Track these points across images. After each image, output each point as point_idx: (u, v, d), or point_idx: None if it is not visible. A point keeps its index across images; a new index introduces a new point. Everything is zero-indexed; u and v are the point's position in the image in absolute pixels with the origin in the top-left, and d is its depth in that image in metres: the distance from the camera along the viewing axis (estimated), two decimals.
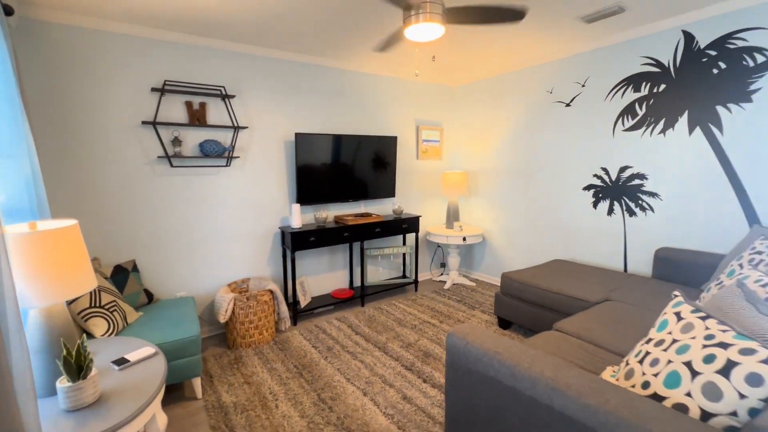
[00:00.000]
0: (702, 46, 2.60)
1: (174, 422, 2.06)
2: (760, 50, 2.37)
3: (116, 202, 2.68)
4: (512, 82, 3.89)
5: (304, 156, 3.32)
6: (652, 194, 2.92)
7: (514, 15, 2.07)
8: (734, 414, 0.98)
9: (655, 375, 1.18)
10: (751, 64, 2.40)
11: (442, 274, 4.63)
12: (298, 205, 3.27)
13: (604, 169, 3.21)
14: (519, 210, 3.95)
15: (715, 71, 2.55)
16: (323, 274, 3.75)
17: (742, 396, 0.97)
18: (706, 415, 1.01)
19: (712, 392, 1.01)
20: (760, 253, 2.06)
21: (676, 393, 1.09)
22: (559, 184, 3.55)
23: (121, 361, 1.62)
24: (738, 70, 2.46)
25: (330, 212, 3.71)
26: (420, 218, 4.23)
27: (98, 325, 2.06)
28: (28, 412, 1.09)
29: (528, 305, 2.84)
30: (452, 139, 4.63)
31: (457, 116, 4.58)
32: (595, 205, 3.30)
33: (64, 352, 1.34)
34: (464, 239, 3.98)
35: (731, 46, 2.47)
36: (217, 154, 2.91)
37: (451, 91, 4.51)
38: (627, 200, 3.08)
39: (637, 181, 3.01)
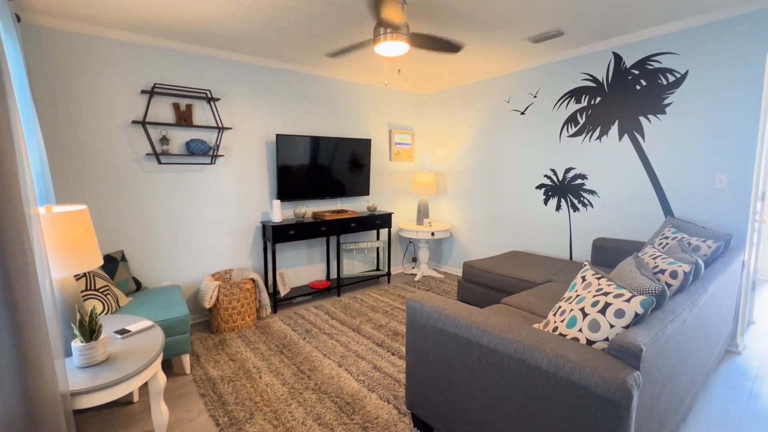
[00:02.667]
0: (628, 66, 3.07)
1: (165, 393, 2.28)
2: (671, 71, 2.85)
3: (106, 195, 2.87)
4: (475, 92, 4.30)
5: (285, 155, 3.59)
6: (592, 192, 3.37)
7: (453, 48, 2.48)
8: (606, 340, 1.34)
9: (562, 321, 1.55)
10: (665, 82, 2.88)
11: (413, 268, 4.97)
12: (279, 201, 3.53)
13: (553, 170, 3.64)
14: (481, 207, 4.35)
15: (638, 87, 3.02)
16: (302, 266, 4.01)
17: (611, 326, 1.34)
18: (590, 343, 1.37)
19: (594, 326, 1.38)
20: (666, 237, 2.51)
21: (573, 331, 1.45)
22: (516, 184, 3.97)
23: (122, 331, 1.85)
24: (655, 87, 2.93)
25: (308, 208, 3.98)
26: (392, 215, 4.56)
27: (94, 306, 2.26)
28: (59, 367, 1.32)
29: (485, 289, 3.21)
30: (423, 142, 5.01)
31: (427, 121, 4.96)
32: (545, 201, 3.73)
33: (79, 316, 1.57)
34: (432, 234, 4.34)
35: (650, 67, 2.95)
36: (202, 152, 3.14)
37: (422, 98, 4.89)
38: (571, 197, 3.52)
39: (579, 181, 3.45)
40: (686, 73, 2.77)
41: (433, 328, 1.66)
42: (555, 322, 1.59)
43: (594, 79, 3.28)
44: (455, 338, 1.55)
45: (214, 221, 3.38)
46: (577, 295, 1.59)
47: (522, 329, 1.40)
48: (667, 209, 2.93)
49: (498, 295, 3.09)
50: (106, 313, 2.30)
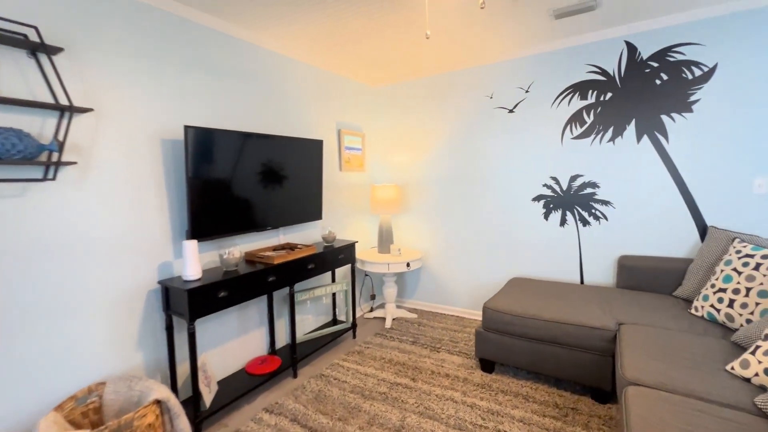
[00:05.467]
0: (644, 57, 2.67)
1: None
2: (697, 64, 2.52)
3: None
4: (443, 86, 3.50)
5: (202, 163, 2.11)
6: (605, 202, 2.89)
7: None
8: None
9: None
10: (690, 76, 2.55)
11: (372, 309, 3.85)
12: (194, 242, 2.03)
13: (554, 179, 3.07)
14: (460, 225, 3.55)
15: (658, 82, 2.64)
16: (231, 340, 2.50)
17: None
18: None
19: None
20: (749, 256, 2.07)
21: None
22: (507, 196, 3.29)
23: None
24: (679, 82, 2.58)
25: (239, 248, 2.52)
26: (356, 244, 3.39)
27: None
28: None
29: (522, 340, 2.36)
30: (375, 148, 3.98)
31: (378, 121, 3.95)
32: (546, 216, 3.13)
33: None
34: (408, 265, 3.33)
35: (671, 59, 2.59)
36: (19, 156, 1.48)
37: (369, 92, 3.86)
38: (580, 209, 2.99)
39: (589, 190, 2.94)
40: (715, 66, 2.47)
41: None
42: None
43: (603, 72, 2.82)
44: None
45: (62, 292, 1.70)
46: None
47: None
48: (698, 220, 2.59)
49: (542, 348, 2.28)
50: None
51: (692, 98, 2.55)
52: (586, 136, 2.92)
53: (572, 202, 3.01)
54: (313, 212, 2.97)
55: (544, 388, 2.33)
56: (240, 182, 2.35)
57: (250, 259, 2.47)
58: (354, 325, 3.17)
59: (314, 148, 2.91)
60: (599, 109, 2.85)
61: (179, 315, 1.95)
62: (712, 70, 2.48)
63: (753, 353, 1.56)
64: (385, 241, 3.55)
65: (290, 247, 2.76)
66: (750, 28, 2.36)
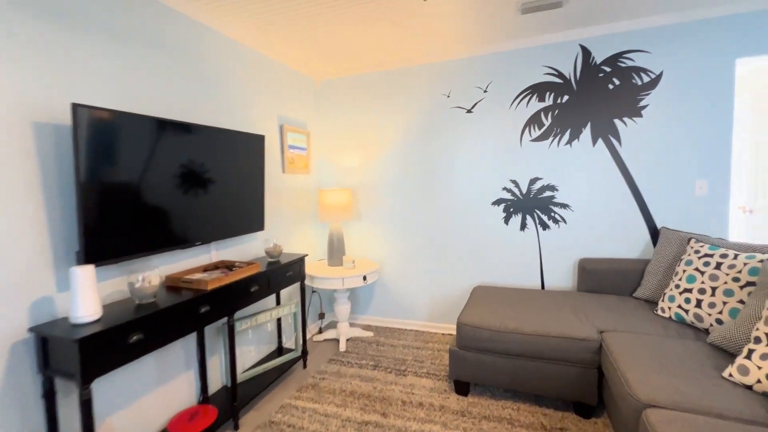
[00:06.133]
0: (598, 62, 2.71)
1: None
2: (645, 71, 2.61)
3: None
4: (397, 83, 3.24)
5: (101, 157, 1.52)
6: (564, 206, 2.87)
7: None
8: None
9: None
10: (639, 82, 2.63)
11: (321, 330, 3.40)
12: (90, 267, 1.44)
13: (514, 182, 2.98)
14: (417, 233, 3.30)
15: (611, 86, 2.69)
16: (145, 395, 1.89)
17: None
18: None
19: None
20: (708, 255, 2.12)
21: None
22: (466, 200, 3.13)
23: None
24: (629, 87, 2.65)
25: (156, 271, 1.92)
26: (305, 258, 2.92)
27: None
28: None
29: (504, 358, 2.16)
30: (321, 147, 3.56)
31: (325, 118, 3.54)
32: (506, 220, 3.03)
33: None
34: (365, 279, 2.98)
35: (622, 65, 2.65)
36: None
37: (313, 86, 3.45)
38: (539, 213, 2.94)
39: (548, 193, 2.90)
40: (661, 74, 2.57)
41: None
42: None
43: (560, 74, 2.80)
44: None
45: None
46: None
47: None
48: (649, 221, 2.68)
49: (525, 365, 2.10)
50: None
51: (642, 103, 2.63)
52: (545, 139, 2.88)
53: (532, 205, 2.95)
54: (254, 222, 2.47)
55: (526, 407, 2.15)
56: (158, 183, 1.78)
57: (173, 285, 1.90)
58: (304, 353, 2.71)
59: (255, 144, 2.42)
60: (556, 111, 2.83)
61: (65, 376, 1.35)
62: (659, 77, 2.58)
63: (749, 358, 1.51)
64: (336, 252, 3.15)
65: (227, 266, 2.22)
66: (691, 38, 2.49)
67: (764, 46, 2.36)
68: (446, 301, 3.25)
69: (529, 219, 2.97)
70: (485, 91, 3.00)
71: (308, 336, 3.26)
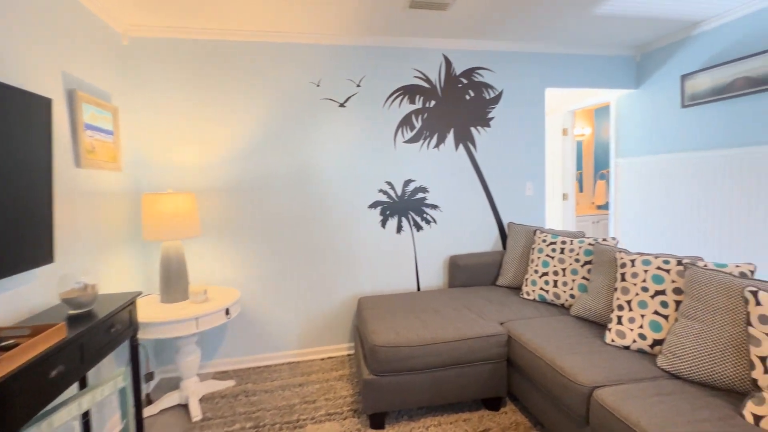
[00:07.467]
0: (457, 73, 2.93)
1: None
2: (491, 87, 3.00)
3: None
4: (253, 57, 2.59)
5: None
6: (434, 206, 2.97)
7: None
8: None
9: None
10: (488, 96, 3.00)
11: (150, 400, 2.33)
12: None
13: (390, 183, 2.88)
14: (283, 245, 2.73)
15: (467, 97, 2.96)
16: None
17: None
18: None
19: None
20: (553, 243, 2.59)
21: None
22: (341, 203, 2.81)
23: None
24: (481, 100, 2.99)
25: None
26: (140, 296, 1.86)
27: None
28: None
29: (425, 374, 1.98)
30: (138, 134, 2.45)
31: (143, 92, 2.46)
32: (383, 223, 2.90)
33: None
34: (228, 313, 2.21)
35: (475, 79, 2.96)
36: None
37: (117, 43, 2.34)
38: (414, 215, 2.94)
39: (420, 195, 2.94)
40: (502, 91, 3.01)
41: None
42: None
43: (427, 79, 2.88)
44: None
45: None
46: None
47: None
48: (498, 217, 3.10)
49: (444, 375, 1.99)
50: None
51: (490, 115, 3.01)
52: (416, 141, 2.90)
53: (407, 207, 2.92)
54: (35, 250, 1.39)
55: (446, 418, 2.05)
56: None
57: None
58: None
59: (33, 112, 1.36)
60: (426, 115, 2.90)
61: None
62: (500, 94, 3.02)
63: (620, 323, 1.87)
64: (176, 282, 2.22)
65: None
66: (519, 65, 3.02)
67: (562, 81, 3.10)
68: (321, 320, 2.83)
69: (404, 221, 2.93)
70: (358, 86, 2.77)
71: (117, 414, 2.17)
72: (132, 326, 1.70)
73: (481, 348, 2.02)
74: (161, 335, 1.97)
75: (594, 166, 5.27)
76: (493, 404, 2.11)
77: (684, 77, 2.81)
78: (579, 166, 5.28)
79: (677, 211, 2.92)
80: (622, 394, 1.42)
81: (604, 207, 5.01)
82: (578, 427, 1.57)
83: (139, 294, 1.74)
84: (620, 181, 3.41)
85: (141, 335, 1.91)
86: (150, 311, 2.06)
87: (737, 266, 1.66)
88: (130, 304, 1.66)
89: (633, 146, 3.26)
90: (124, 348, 2.15)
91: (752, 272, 1.63)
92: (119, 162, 2.22)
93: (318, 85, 2.70)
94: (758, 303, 1.35)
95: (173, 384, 2.48)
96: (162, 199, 2.13)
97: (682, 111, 2.86)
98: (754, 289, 1.38)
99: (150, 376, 2.37)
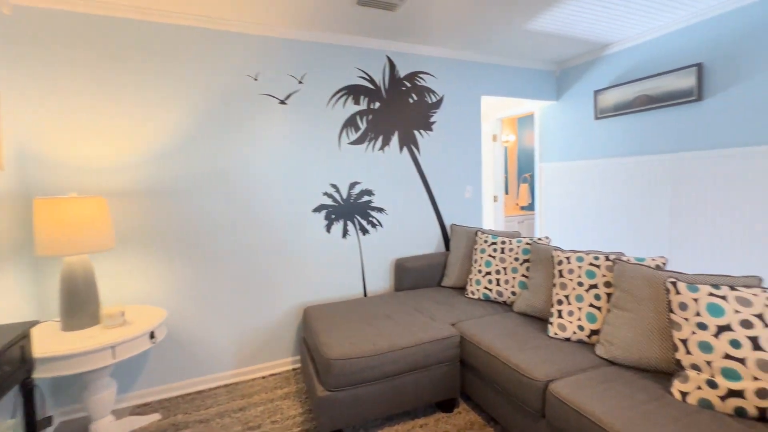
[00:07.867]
0: (401, 76, 2.93)
1: None
2: (432, 92, 3.05)
3: None
4: (179, 42, 2.28)
5: None
6: (380, 209, 2.93)
7: None
8: None
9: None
10: (430, 101, 3.05)
11: None
12: None
13: (335, 186, 2.77)
14: (213, 255, 2.46)
15: (411, 100, 2.98)
16: None
17: None
18: None
19: None
20: (493, 243, 2.72)
21: None
22: (283, 207, 2.61)
23: None
24: (423, 104, 3.03)
25: None
26: (36, 326, 1.46)
27: None
28: None
29: (381, 383, 1.91)
30: (24, 123, 1.98)
31: (29, 71, 1.99)
32: (328, 228, 2.77)
33: None
34: (152, 337, 1.89)
35: (418, 83, 2.99)
36: None
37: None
38: (359, 218, 2.87)
39: (366, 198, 2.88)
40: (443, 97, 3.09)
41: None
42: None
43: (371, 80, 2.83)
44: None
45: None
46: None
47: None
48: (440, 219, 3.17)
49: (401, 382, 1.94)
50: None
51: (432, 119, 3.07)
52: (361, 143, 2.83)
53: (352, 211, 2.84)
54: None
55: (404, 427, 2.00)
56: None
57: None
58: None
59: None
60: (370, 116, 2.85)
61: None
62: (441, 100, 3.09)
63: (561, 317, 2.01)
64: (84, 305, 1.84)
65: None
66: (458, 72, 3.13)
67: (495, 89, 3.29)
68: (262, 333, 2.60)
69: (350, 225, 2.83)
70: (300, 82, 2.61)
71: None
72: (25, 365, 1.35)
73: (436, 351, 2.02)
74: (66, 371, 1.61)
75: (517, 170, 5.73)
76: (447, 406, 2.12)
77: (596, 92, 3.17)
78: (505, 171, 5.68)
79: (592, 211, 3.28)
80: (573, 385, 1.51)
81: (527, 208, 5.47)
82: (534, 421, 1.64)
83: (34, 323, 1.40)
84: (544, 184, 3.73)
85: (38, 374, 1.54)
86: (49, 343, 1.67)
87: (653, 260, 1.88)
88: (22, 338, 1.32)
89: (554, 152, 3.59)
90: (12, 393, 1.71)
91: (664, 264, 1.86)
92: (0, 158, 1.78)
93: (256, 79, 2.48)
94: (678, 292, 1.53)
95: (79, 427, 2.06)
96: (62, 204, 1.76)
97: (595, 122, 3.22)
98: (674, 280, 1.56)
99: (47, 422, 1.93)
